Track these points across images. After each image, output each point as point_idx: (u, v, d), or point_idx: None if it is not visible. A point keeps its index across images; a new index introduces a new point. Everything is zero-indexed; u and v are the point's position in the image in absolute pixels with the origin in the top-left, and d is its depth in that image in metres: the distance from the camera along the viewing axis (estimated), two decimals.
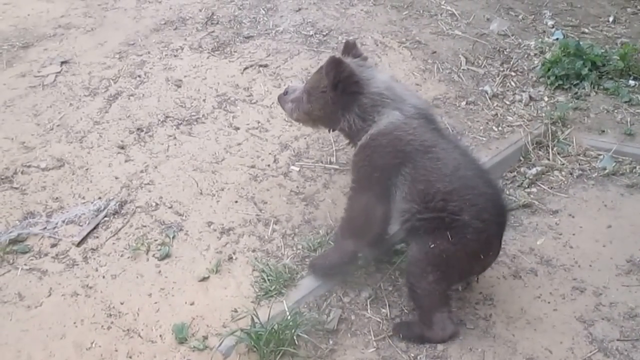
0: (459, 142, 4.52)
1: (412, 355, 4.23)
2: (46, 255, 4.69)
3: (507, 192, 5.55)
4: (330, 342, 4.30)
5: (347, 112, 4.33)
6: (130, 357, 4.10)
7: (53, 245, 4.76)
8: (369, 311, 4.50)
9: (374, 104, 4.25)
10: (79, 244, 4.76)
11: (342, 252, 4.56)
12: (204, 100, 6.12)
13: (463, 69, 6.86)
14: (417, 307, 4.35)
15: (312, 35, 7.13)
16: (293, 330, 4.15)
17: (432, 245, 4.06)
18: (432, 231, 4.06)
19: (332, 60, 4.26)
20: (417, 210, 4.09)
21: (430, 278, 4.13)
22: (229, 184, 5.28)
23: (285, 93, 4.75)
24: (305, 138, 5.73)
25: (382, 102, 4.25)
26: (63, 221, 4.90)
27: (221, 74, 6.47)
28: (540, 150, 5.98)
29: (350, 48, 4.53)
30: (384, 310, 4.51)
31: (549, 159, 5.88)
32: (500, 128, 6.12)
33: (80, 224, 4.90)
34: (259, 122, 5.90)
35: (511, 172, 5.79)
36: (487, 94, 6.54)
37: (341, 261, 4.57)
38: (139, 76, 6.39)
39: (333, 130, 4.65)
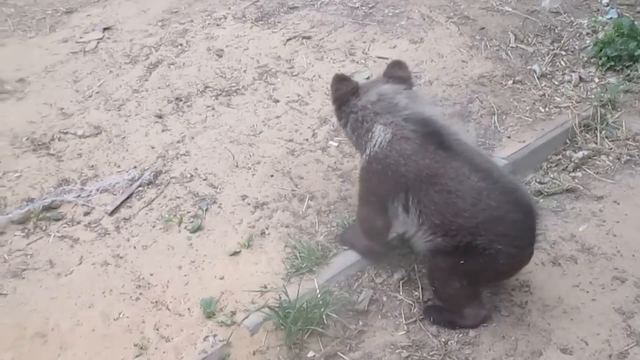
0: (477, 156, 3.97)
1: (443, 340, 4.13)
2: (79, 223, 4.69)
3: (551, 176, 5.40)
4: (360, 322, 4.22)
5: (344, 128, 4.35)
6: (157, 330, 4.07)
7: (86, 214, 4.75)
8: (400, 293, 4.41)
9: (363, 119, 4.13)
10: (111, 213, 4.74)
11: (363, 245, 4.48)
12: (244, 71, 6.05)
13: (512, 47, 6.68)
14: (444, 304, 4.25)
15: (357, 7, 7.02)
16: (322, 310, 4.09)
17: (462, 262, 3.89)
18: (461, 253, 3.87)
19: (333, 77, 4.34)
20: (441, 240, 3.89)
21: (456, 284, 4.01)
22: (265, 157, 5.21)
23: None
24: None
25: (369, 117, 4.11)
26: (97, 189, 4.89)
27: (263, 44, 6.39)
28: (587, 133, 5.78)
29: (392, 67, 4.38)
30: (416, 292, 4.41)
31: (596, 143, 5.69)
32: (547, 109, 5.94)
33: (114, 193, 4.89)
34: (299, 95, 5.82)
35: (556, 155, 5.62)
36: (536, 73, 6.35)
37: (362, 253, 4.52)
38: (181, 45, 6.35)
39: None
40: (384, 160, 3.96)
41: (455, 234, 3.81)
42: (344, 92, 4.23)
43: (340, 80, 4.29)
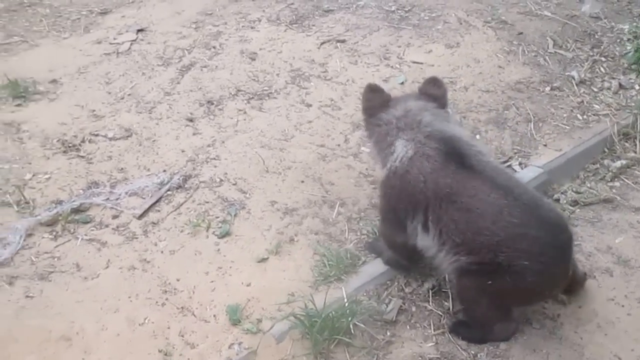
0: (498, 174, 3.88)
1: (473, 352, 4.04)
2: (107, 226, 4.66)
3: (588, 185, 5.27)
4: (388, 333, 4.14)
5: (369, 139, 4.32)
6: (182, 336, 4.03)
7: (114, 217, 4.72)
8: (430, 303, 4.32)
9: (387, 134, 4.09)
10: (140, 217, 4.71)
11: (388, 257, 4.42)
12: (277, 74, 6.01)
13: (550, 52, 6.56)
14: (474, 322, 4.14)
15: (393, 10, 6.95)
16: (349, 319, 4.02)
17: (490, 282, 3.80)
18: (487, 271, 3.78)
19: (366, 87, 4.34)
20: (465, 259, 3.83)
21: (485, 305, 3.93)
22: (296, 162, 5.16)
23: None
24: None
25: (392, 132, 4.06)
26: (126, 193, 4.86)
27: (297, 48, 6.35)
28: (626, 142, 5.65)
29: (427, 83, 4.35)
30: (446, 303, 4.32)
31: (635, 152, 5.56)
32: (585, 116, 5.83)
33: (143, 196, 4.86)
34: (332, 100, 5.76)
35: (593, 164, 5.50)
36: (574, 79, 6.23)
37: (387, 263, 4.45)
38: (214, 47, 6.32)
39: None
40: (403, 176, 3.92)
41: (478, 252, 3.75)
42: (374, 104, 4.22)
43: (372, 91, 4.29)
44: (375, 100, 4.23)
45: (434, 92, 4.24)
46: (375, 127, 4.18)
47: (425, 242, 3.97)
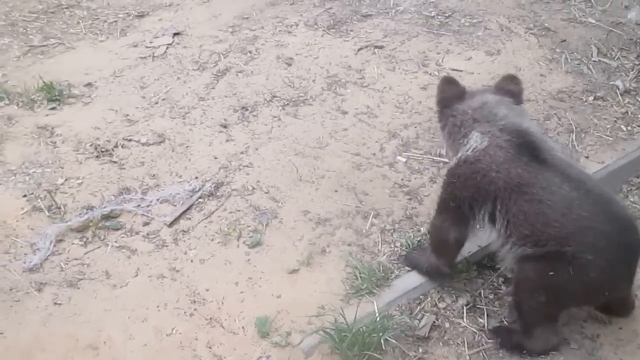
0: (570, 168, 3.90)
1: None
2: (137, 233, 4.61)
3: (631, 199, 5.13)
4: (420, 350, 4.04)
5: (443, 130, 4.30)
6: (210, 347, 3.97)
7: (145, 224, 4.67)
8: (464, 320, 4.21)
9: (461, 124, 4.07)
10: (170, 225, 4.66)
11: (429, 264, 4.33)
12: (313, 80, 5.94)
13: (594, 61, 6.41)
14: (520, 319, 4.03)
15: (433, 16, 6.84)
16: (380, 334, 3.92)
17: (552, 274, 3.72)
18: (551, 261, 3.71)
19: (442, 78, 4.45)
20: (531, 251, 3.78)
21: (541, 299, 3.81)
22: (330, 171, 5.08)
23: None
24: (415, 127, 5.46)
25: (467, 123, 4.05)
26: (157, 199, 4.81)
27: (334, 53, 6.27)
28: None
29: (505, 80, 4.39)
30: (481, 320, 4.22)
31: None
32: (629, 128, 5.67)
33: (174, 203, 4.81)
34: (368, 107, 5.67)
35: (637, 178, 5.35)
36: (619, 89, 6.08)
37: (426, 273, 4.36)
38: (250, 52, 6.27)
39: None
40: (474, 165, 3.89)
41: (545, 244, 3.70)
42: (450, 95, 4.24)
43: (448, 83, 4.33)
44: (451, 92, 4.25)
45: (511, 88, 4.25)
46: (449, 117, 4.19)
47: (490, 234, 3.99)
